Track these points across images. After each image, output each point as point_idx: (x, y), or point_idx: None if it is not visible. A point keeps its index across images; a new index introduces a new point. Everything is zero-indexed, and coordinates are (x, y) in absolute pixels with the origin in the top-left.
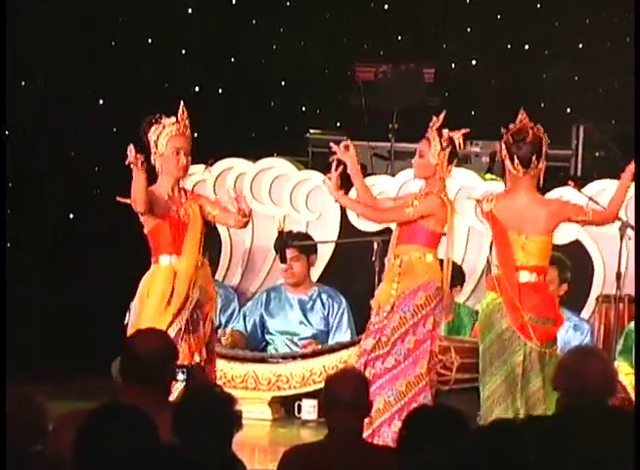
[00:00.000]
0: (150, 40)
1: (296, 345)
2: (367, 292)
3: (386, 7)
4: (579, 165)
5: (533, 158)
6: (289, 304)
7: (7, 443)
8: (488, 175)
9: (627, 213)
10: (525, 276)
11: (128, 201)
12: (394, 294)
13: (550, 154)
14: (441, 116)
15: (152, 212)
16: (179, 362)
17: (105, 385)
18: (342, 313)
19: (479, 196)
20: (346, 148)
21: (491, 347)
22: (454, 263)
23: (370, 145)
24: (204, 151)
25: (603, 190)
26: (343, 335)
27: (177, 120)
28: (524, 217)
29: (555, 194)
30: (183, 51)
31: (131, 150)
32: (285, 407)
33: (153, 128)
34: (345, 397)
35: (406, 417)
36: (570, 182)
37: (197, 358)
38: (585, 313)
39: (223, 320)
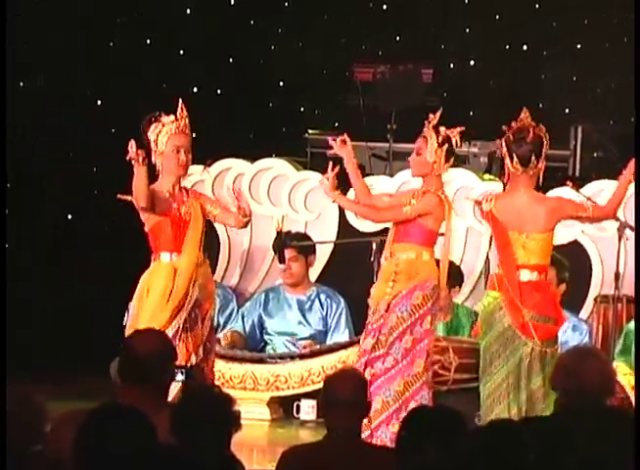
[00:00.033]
0: (148, 41)
1: (294, 345)
2: (365, 292)
3: (384, 7)
4: (577, 166)
5: (533, 157)
6: (287, 304)
7: (7, 443)
8: (487, 176)
9: (625, 214)
10: (526, 275)
11: (129, 198)
12: (390, 292)
13: (548, 154)
14: (438, 113)
15: (153, 210)
16: (178, 363)
17: (105, 385)
18: (341, 314)
19: (477, 196)
20: (343, 142)
21: (492, 346)
22: (453, 263)
23: (368, 145)
24: (202, 151)
25: (601, 190)
26: (342, 335)
27: (176, 118)
28: (524, 216)
29: (553, 194)
30: (182, 51)
31: (132, 145)
32: (283, 408)
33: (152, 127)
34: (344, 397)
35: (405, 418)
36: (568, 183)
37: (193, 359)
38: (584, 314)
39: (222, 321)
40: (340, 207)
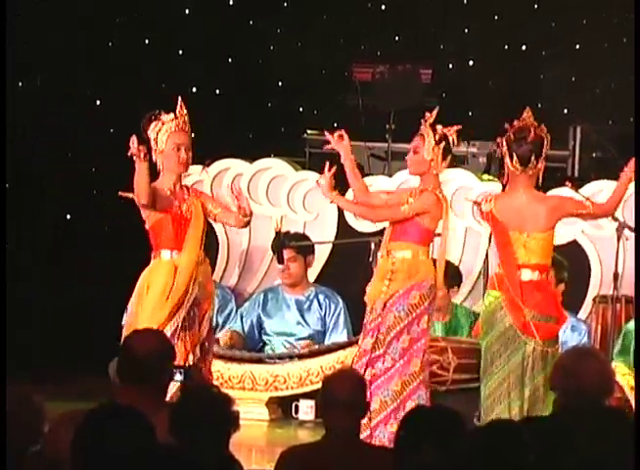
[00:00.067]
0: (148, 41)
1: (293, 345)
2: (364, 292)
3: (383, 7)
4: (576, 166)
5: (532, 157)
6: (286, 304)
7: (7, 443)
8: (485, 176)
9: (625, 214)
10: (527, 274)
11: (130, 195)
12: (386, 291)
13: (547, 154)
14: (435, 111)
15: (154, 207)
16: (176, 362)
17: (104, 385)
18: (339, 314)
19: (476, 197)
20: (341, 137)
21: (493, 345)
22: (451, 264)
23: (367, 145)
24: (201, 151)
25: (600, 191)
26: (340, 335)
27: (176, 116)
28: (524, 216)
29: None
30: (181, 51)
31: (134, 141)
32: (282, 408)
33: (152, 125)
34: (343, 397)
35: (404, 418)
36: (567, 183)
37: (191, 358)
38: (582, 314)
39: (220, 321)
40: (338, 207)
